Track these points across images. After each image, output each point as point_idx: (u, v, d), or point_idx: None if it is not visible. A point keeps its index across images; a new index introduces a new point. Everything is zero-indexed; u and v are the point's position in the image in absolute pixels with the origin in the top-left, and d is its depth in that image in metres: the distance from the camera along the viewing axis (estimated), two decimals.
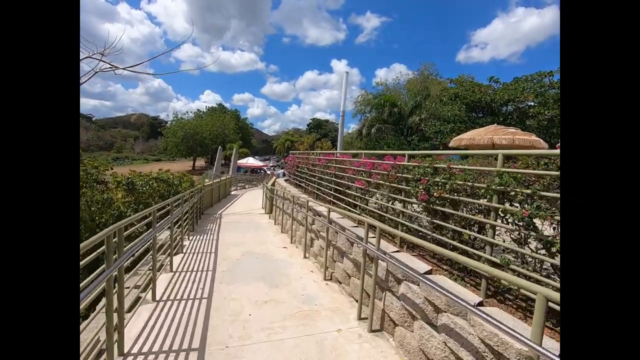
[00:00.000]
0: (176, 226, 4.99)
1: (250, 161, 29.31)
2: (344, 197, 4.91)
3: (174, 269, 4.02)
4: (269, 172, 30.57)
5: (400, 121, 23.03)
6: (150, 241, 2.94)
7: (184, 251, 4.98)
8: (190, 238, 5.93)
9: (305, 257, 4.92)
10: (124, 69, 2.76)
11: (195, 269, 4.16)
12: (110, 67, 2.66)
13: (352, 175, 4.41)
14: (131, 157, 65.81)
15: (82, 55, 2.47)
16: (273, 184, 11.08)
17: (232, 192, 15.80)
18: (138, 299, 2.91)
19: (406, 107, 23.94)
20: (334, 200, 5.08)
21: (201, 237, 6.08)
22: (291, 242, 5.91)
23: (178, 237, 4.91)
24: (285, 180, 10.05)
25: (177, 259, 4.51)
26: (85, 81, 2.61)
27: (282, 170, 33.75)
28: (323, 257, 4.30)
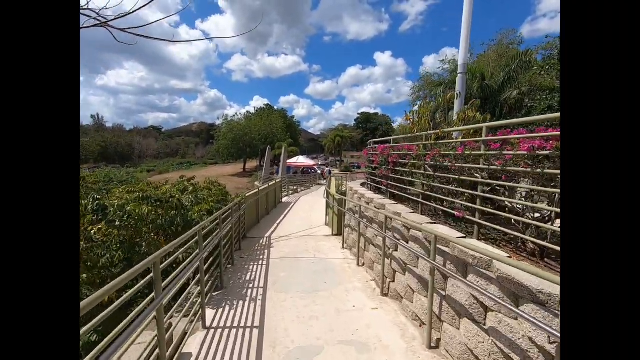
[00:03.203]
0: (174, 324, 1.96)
1: (300, 160, 26.86)
2: None
3: None
4: (319, 171, 27.73)
5: (489, 99, 17.56)
6: None
7: None
8: (212, 315, 2.94)
9: None
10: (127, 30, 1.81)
11: None
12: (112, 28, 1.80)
13: None
14: (192, 162, 71.41)
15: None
16: (342, 192, 7.79)
17: (284, 199, 13.08)
18: None
19: (493, 82, 18.32)
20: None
21: (230, 317, 3.01)
22: (431, 347, 2.44)
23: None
24: (362, 185, 6.65)
25: None
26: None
27: (328, 169, 30.79)
28: None
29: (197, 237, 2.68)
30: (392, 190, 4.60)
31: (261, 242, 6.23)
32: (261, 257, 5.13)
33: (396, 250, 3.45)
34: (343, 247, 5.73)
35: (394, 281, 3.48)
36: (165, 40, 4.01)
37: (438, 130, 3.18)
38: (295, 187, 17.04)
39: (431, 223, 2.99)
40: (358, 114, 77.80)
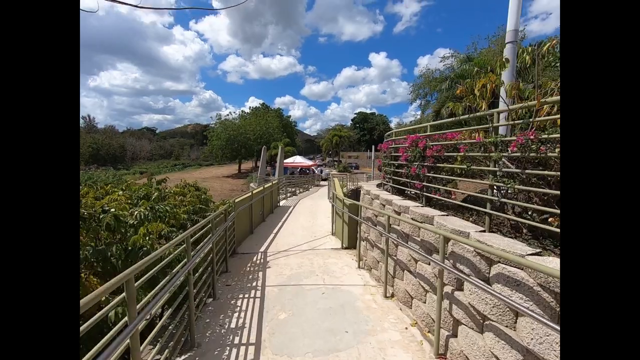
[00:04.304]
0: None
1: (298, 160, 25.59)
2: None
3: None
4: (317, 171, 26.55)
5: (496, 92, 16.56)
6: None
7: None
8: None
9: None
10: None
11: None
12: None
13: None
14: (186, 163, 69.76)
15: None
16: (346, 194, 6.59)
17: (281, 203, 11.80)
18: None
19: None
20: None
21: None
22: None
23: None
24: (378, 186, 5.44)
25: None
26: None
27: (320, 168, 29.67)
28: None
29: (125, 293, 1.43)
30: (430, 195, 3.39)
31: (255, 259, 4.98)
32: (254, 284, 3.89)
33: (460, 290, 2.23)
34: (359, 267, 4.51)
35: (455, 336, 2.26)
36: (131, 5, 2.99)
37: (535, 101, 1.98)
38: (293, 189, 15.78)
39: (535, 254, 1.78)
40: (355, 113, 76.73)
